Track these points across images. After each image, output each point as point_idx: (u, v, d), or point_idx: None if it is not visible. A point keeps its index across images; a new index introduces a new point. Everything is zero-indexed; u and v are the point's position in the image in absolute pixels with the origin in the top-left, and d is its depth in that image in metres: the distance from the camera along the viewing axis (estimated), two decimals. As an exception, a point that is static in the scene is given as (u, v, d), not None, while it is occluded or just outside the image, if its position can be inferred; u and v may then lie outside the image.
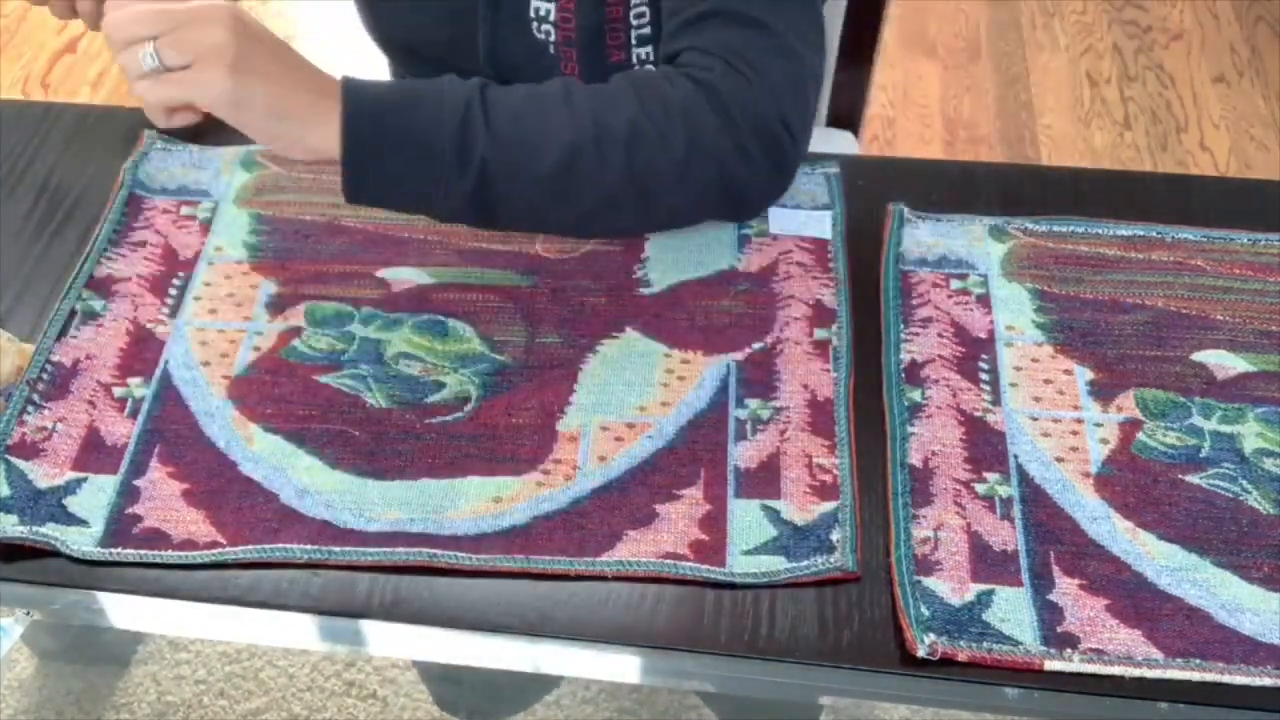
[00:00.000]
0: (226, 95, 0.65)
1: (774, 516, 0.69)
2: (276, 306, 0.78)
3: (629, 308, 0.78)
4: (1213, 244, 0.82)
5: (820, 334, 0.77)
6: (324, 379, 0.75)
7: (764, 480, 0.70)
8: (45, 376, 0.73)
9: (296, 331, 0.77)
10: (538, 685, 0.76)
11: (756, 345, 0.77)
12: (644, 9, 0.83)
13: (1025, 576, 0.66)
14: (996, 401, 0.74)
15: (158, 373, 0.74)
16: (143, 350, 0.75)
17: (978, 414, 0.73)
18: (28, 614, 0.64)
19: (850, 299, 0.79)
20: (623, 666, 0.65)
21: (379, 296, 0.79)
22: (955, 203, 0.86)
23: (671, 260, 0.81)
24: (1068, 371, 0.75)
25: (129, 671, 0.67)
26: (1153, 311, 0.78)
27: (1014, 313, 0.78)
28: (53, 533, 0.66)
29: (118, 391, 0.73)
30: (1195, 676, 0.62)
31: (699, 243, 0.82)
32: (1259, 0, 2.28)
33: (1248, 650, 0.63)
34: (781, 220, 0.83)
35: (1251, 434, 0.72)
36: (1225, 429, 0.72)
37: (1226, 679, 0.62)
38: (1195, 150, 2.03)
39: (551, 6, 0.83)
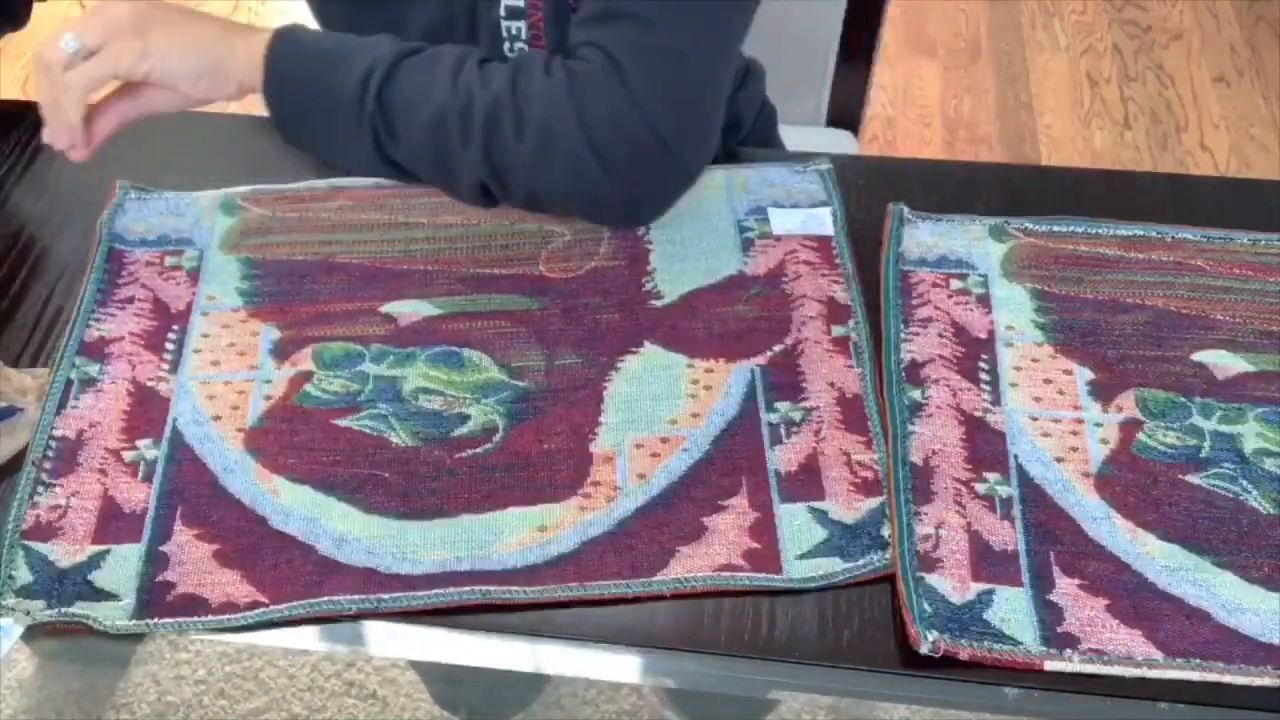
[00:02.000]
0: (141, 53, 0.72)
1: (822, 518, 0.68)
2: (282, 352, 0.76)
3: (644, 321, 0.78)
4: (1213, 244, 0.82)
5: (838, 330, 0.77)
6: (343, 422, 0.73)
7: (806, 482, 0.70)
8: (50, 453, 0.70)
9: (307, 376, 0.75)
10: (537, 683, 0.76)
11: (777, 348, 0.76)
12: None
13: (1025, 576, 0.66)
14: (997, 401, 0.74)
15: (167, 432, 0.72)
16: (147, 410, 0.73)
17: (978, 414, 0.73)
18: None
19: (863, 293, 0.79)
20: (623, 666, 0.65)
21: (387, 332, 0.77)
22: (955, 203, 0.86)
23: (679, 270, 0.80)
24: (1068, 371, 0.75)
25: (129, 671, 0.67)
26: (1153, 311, 0.78)
27: (1014, 313, 0.78)
28: (83, 611, 0.64)
29: (128, 456, 0.71)
30: (1195, 676, 0.62)
31: (703, 249, 0.82)
32: (1259, 0, 2.28)
33: (1248, 650, 0.63)
34: (782, 220, 0.83)
35: (1251, 434, 0.72)
36: (1225, 429, 0.72)
37: (1226, 679, 0.62)
38: (1195, 150, 2.03)
39: (522, 25, 0.81)
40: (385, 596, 0.65)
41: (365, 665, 0.68)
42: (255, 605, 0.64)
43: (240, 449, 0.71)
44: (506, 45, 0.83)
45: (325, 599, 0.65)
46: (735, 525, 0.68)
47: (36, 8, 0.91)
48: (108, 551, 0.67)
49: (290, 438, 0.72)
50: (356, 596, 0.65)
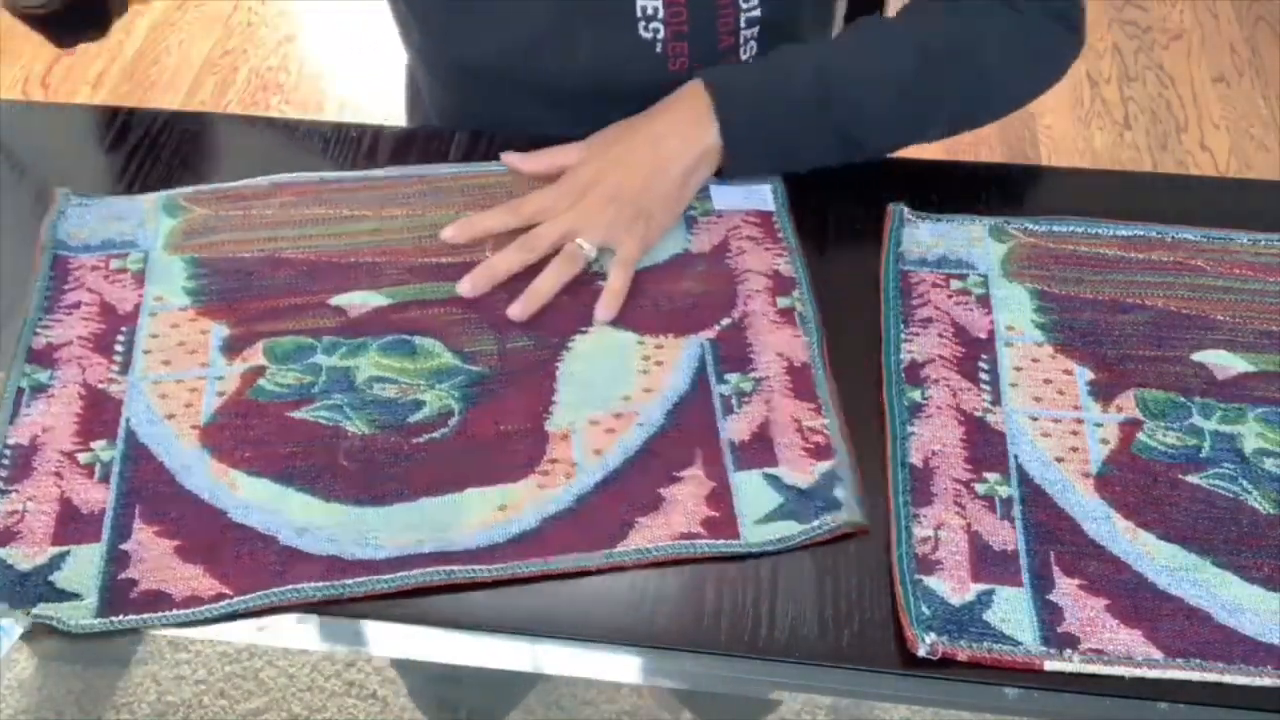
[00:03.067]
0: (644, 239, 0.80)
1: (776, 483, 0.70)
2: (232, 349, 0.75)
3: (591, 302, 0.78)
4: (1213, 244, 0.82)
5: (783, 302, 0.78)
6: (298, 414, 0.72)
7: (759, 450, 0.71)
8: (5, 461, 0.69)
9: (260, 371, 0.74)
10: (530, 678, 0.76)
11: (724, 321, 0.77)
12: None
13: (1025, 576, 0.66)
14: (996, 401, 0.74)
15: (121, 433, 0.71)
16: (100, 413, 0.72)
17: (978, 414, 0.73)
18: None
19: (806, 265, 0.80)
20: (623, 666, 0.65)
21: (338, 324, 0.77)
22: (955, 203, 0.86)
23: None
24: (1068, 372, 0.75)
25: (129, 671, 0.67)
26: (1153, 311, 0.78)
27: (1014, 313, 0.78)
28: (46, 612, 0.63)
29: (83, 458, 0.70)
30: (1195, 676, 0.62)
31: None
32: (1259, 0, 2.28)
33: (1248, 650, 0.63)
34: (723, 197, 0.85)
35: (1252, 434, 0.72)
36: (1225, 429, 0.72)
37: (1226, 679, 0.62)
38: (1195, 150, 2.03)
39: (659, 4, 0.85)
40: (349, 582, 0.65)
41: (365, 665, 0.68)
42: (220, 598, 0.64)
43: (196, 446, 0.71)
44: (642, 25, 0.86)
45: (289, 587, 0.65)
46: (692, 495, 0.69)
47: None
48: (67, 553, 0.66)
49: (245, 432, 0.71)
50: (321, 584, 0.65)
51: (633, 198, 0.79)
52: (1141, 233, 0.83)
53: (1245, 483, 0.70)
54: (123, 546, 0.66)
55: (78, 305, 0.77)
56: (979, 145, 1.96)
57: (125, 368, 0.74)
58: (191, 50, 2.23)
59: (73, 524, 0.67)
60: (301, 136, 0.91)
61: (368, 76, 2.17)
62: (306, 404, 0.73)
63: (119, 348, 0.75)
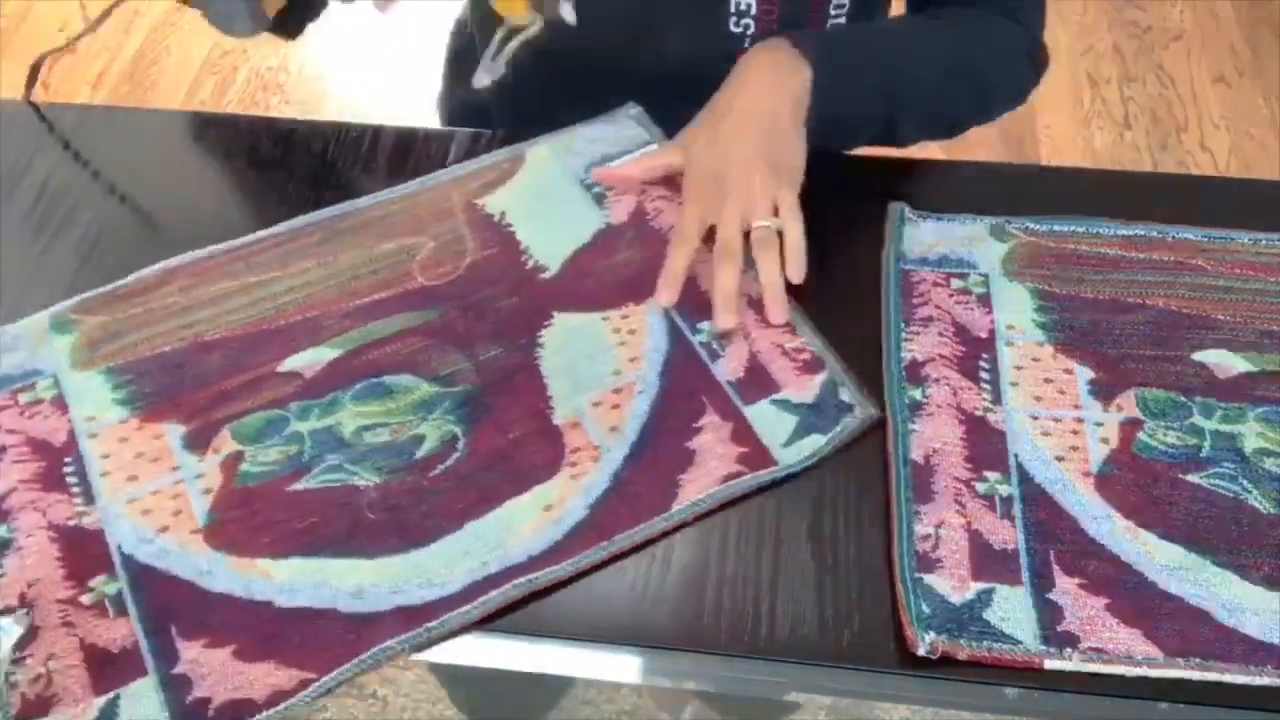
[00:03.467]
0: (795, 201, 0.78)
1: (787, 405, 0.73)
2: (197, 444, 0.71)
3: (541, 296, 0.79)
4: (1213, 244, 0.82)
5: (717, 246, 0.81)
6: (299, 486, 0.69)
7: (758, 381, 0.74)
8: (4, 637, 0.63)
9: (238, 456, 0.71)
10: (562, 682, 0.76)
11: None
12: None
13: (1025, 575, 0.66)
14: (997, 401, 0.74)
15: (117, 561, 0.66)
16: (83, 548, 0.67)
17: (978, 413, 0.73)
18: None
19: None
20: (623, 666, 0.65)
21: (298, 388, 0.74)
22: (955, 202, 0.86)
23: (550, 240, 0.82)
24: (1068, 371, 0.75)
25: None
26: (1153, 311, 0.78)
27: (1015, 312, 0.78)
28: None
29: (87, 599, 0.65)
30: (1195, 676, 0.62)
31: (561, 216, 0.84)
32: (1259, 0, 2.28)
33: (1248, 650, 0.63)
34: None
35: (1252, 434, 0.72)
36: (1226, 429, 0.72)
37: (1226, 679, 0.62)
38: (1195, 150, 2.03)
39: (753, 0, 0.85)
40: (433, 624, 0.63)
41: (365, 665, 0.68)
42: (305, 684, 0.62)
43: (206, 550, 0.67)
44: (733, 20, 0.87)
45: (375, 650, 0.63)
46: (718, 439, 0.71)
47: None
48: (116, 698, 0.62)
49: (251, 519, 0.68)
50: (405, 635, 0.63)
51: (767, 160, 0.79)
52: (1142, 232, 0.83)
53: (1245, 482, 0.70)
54: (175, 671, 0.62)
55: (4, 450, 0.71)
56: (979, 145, 1.95)
57: (89, 497, 0.69)
58: (191, 50, 2.23)
59: (107, 667, 0.62)
60: (301, 136, 0.91)
61: (367, 77, 2.17)
62: (304, 474, 0.70)
63: (72, 479, 0.70)
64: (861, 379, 0.75)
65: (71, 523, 0.68)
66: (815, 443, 0.71)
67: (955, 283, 0.80)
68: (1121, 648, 0.63)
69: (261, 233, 0.83)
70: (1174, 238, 0.83)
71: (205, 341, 0.77)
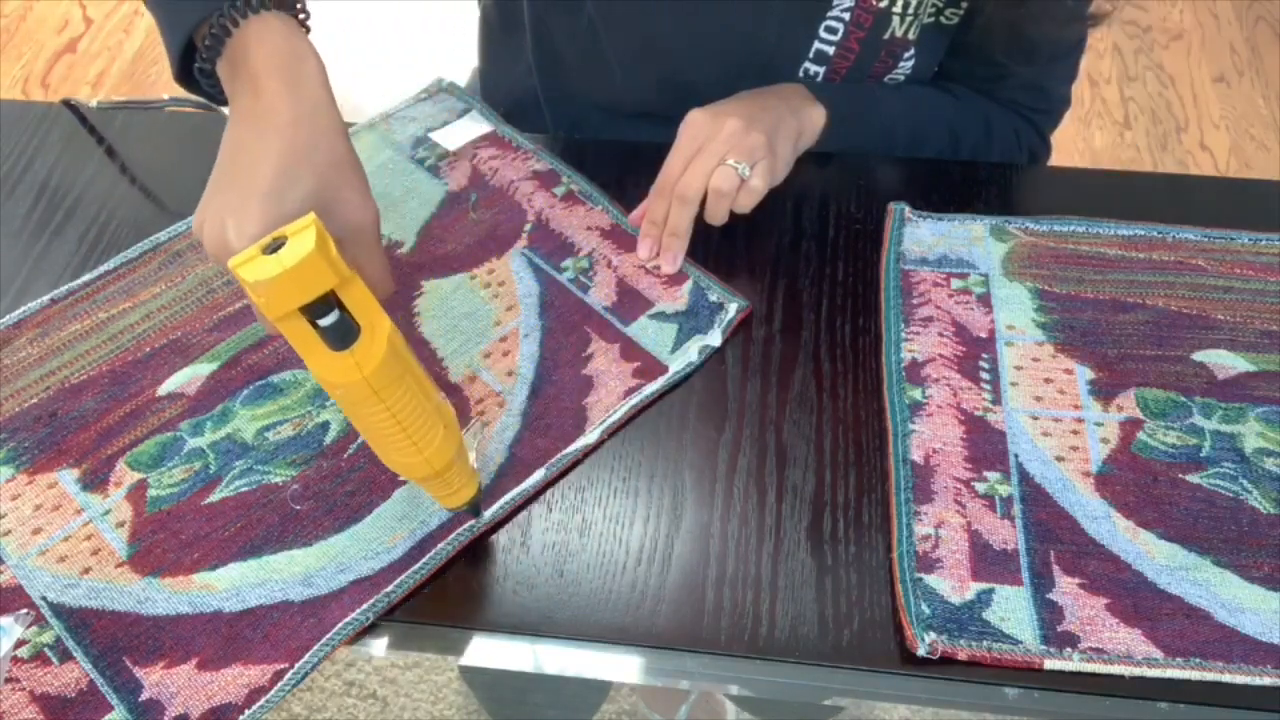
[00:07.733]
0: (773, 168, 0.80)
1: (664, 316, 0.78)
2: (96, 483, 0.70)
3: (407, 269, 0.81)
4: (1213, 244, 0.82)
5: (559, 190, 0.85)
6: (214, 497, 0.69)
7: (632, 302, 0.79)
8: None
9: (139, 485, 0.69)
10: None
11: (527, 227, 0.83)
12: (910, 59, 0.88)
13: (1025, 575, 0.66)
14: (997, 401, 0.74)
15: (46, 611, 0.64)
16: (3, 608, 0.65)
17: (978, 413, 0.73)
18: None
19: (557, 155, 0.87)
20: (623, 666, 0.65)
21: (185, 408, 0.73)
22: (955, 202, 0.86)
23: (399, 217, 0.84)
24: (1068, 371, 0.75)
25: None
26: (1153, 311, 0.78)
27: (1015, 312, 0.78)
28: None
29: (23, 652, 0.63)
30: (1195, 676, 0.62)
31: (402, 192, 0.86)
32: (1259, 0, 2.28)
33: (1248, 650, 0.63)
34: (448, 137, 0.90)
35: (1252, 434, 0.72)
36: (1226, 428, 0.72)
37: (1226, 679, 0.62)
38: (1195, 150, 2.03)
39: (830, 50, 0.87)
40: (390, 588, 0.64)
41: (365, 665, 0.68)
42: (280, 676, 0.62)
43: (137, 579, 0.66)
44: (802, 71, 0.89)
45: (338, 626, 0.63)
46: (610, 361, 0.75)
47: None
48: None
49: (176, 539, 0.67)
50: (366, 605, 0.64)
51: (767, 128, 0.79)
52: (1142, 232, 0.83)
53: (1245, 482, 0.70)
54: (143, 698, 0.61)
55: None
56: (979, 145, 1.95)
57: (21, 567, 0.66)
58: (191, 50, 2.23)
59: (68, 712, 0.61)
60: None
61: (367, 77, 2.17)
62: (215, 485, 0.69)
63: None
64: (862, 378, 0.75)
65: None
66: (700, 342, 0.76)
67: (955, 283, 0.80)
68: (1121, 648, 0.63)
69: (95, 271, 0.81)
70: (1174, 238, 0.83)
71: (73, 385, 0.75)
